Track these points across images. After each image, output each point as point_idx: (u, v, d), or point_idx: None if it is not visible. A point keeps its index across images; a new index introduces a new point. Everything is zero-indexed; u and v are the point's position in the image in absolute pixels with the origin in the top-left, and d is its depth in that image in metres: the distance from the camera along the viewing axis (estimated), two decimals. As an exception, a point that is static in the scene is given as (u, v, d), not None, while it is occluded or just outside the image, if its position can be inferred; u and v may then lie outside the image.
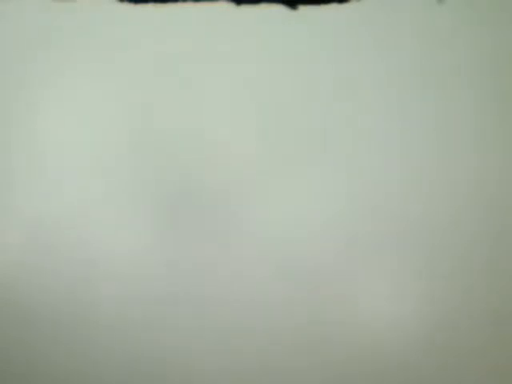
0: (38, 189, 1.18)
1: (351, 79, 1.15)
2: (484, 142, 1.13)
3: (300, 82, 1.16)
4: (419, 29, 1.14)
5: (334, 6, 1.15)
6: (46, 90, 1.18)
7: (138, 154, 1.17)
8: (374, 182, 1.14)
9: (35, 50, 1.18)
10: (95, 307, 1.16)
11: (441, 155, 1.14)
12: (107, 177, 1.17)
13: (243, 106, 1.16)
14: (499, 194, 1.13)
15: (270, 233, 1.15)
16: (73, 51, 1.18)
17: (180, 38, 1.17)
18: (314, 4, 1.15)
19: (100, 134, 1.18)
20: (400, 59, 1.15)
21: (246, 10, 1.16)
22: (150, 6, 1.17)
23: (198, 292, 1.16)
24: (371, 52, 1.15)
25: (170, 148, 1.17)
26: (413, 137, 1.14)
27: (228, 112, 1.16)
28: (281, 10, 1.16)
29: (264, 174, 1.15)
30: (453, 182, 1.13)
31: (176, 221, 1.16)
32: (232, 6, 1.16)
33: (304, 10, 1.15)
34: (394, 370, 1.13)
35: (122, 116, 1.17)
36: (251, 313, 1.15)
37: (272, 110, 1.16)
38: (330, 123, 1.15)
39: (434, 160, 1.14)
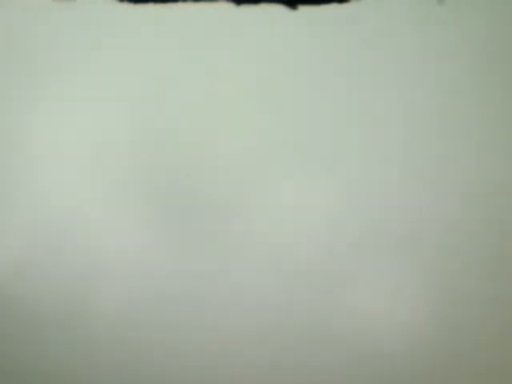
0: (38, 190, 1.18)
1: (351, 79, 1.15)
2: (485, 143, 1.13)
3: (300, 82, 1.16)
4: (419, 29, 1.14)
5: (333, 6, 1.15)
6: (46, 89, 1.18)
7: (139, 154, 1.17)
8: (375, 183, 1.14)
9: (35, 49, 1.18)
10: (95, 308, 1.16)
11: (442, 156, 1.14)
12: (107, 177, 1.17)
13: (243, 106, 1.16)
14: (500, 195, 1.13)
15: (269, 234, 1.15)
16: (73, 51, 1.18)
17: (180, 37, 1.17)
18: (313, 4, 1.15)
19: (100, 134, 1.18)
20: (400, 59, 1.15)
21: (246, 9, 1.16)
22: (150, 6, 1.17)
23: (198, 293, 1.16)
24: (371, 52, 1.15)
25: (170, 149, 1.17)
26: (413, 137, 1.14)
27: (228, 112, 1.16)
28: (281, 9, 1.16)
29: (264, 174, 1.15)
30: (454, 183, 1.13)
31: (176, 221, 1.16)
32: (232, 6, 1.16)
33: (304, 9, 1.15)
34: (394, 371, 1.13)
35: (122, 116, 1.17)
36: (251, 314, 1.15)
37: (272, 111, 1.16)
38: (330, 123, 1.15)
39: (435, 161, 1.14)
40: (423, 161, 1.14)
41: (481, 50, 1.14)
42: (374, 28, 1.15)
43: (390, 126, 1.14)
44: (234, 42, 1.16)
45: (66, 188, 1.17)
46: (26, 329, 1.17)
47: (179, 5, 1.17)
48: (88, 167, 1.17)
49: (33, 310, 1.17)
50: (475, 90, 1.14)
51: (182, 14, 1.17)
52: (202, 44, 1.17)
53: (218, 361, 1.15)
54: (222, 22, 1.16)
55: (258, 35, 1.16)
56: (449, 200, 1.13)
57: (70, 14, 1.18)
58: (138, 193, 1.17)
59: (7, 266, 1.17)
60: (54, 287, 1.17)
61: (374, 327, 1.13)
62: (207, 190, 1.16)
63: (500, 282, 1.13)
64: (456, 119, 1.14)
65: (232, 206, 1.15)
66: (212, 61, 1.16)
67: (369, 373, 1.13)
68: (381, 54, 1.15)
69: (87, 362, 1.16)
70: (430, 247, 1.13)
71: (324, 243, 1.14)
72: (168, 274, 1.16)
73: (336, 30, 1.15)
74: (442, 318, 1.13)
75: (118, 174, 1.17)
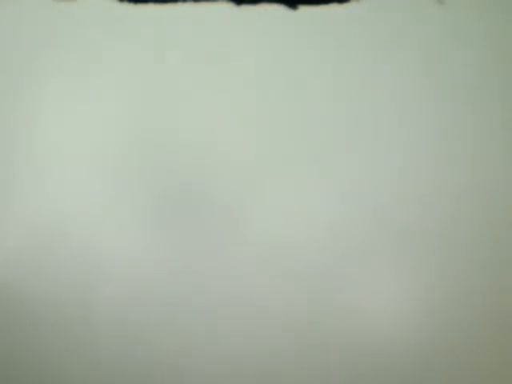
0: (38, 190, 1.18)
1: (351, 79, 1.15)
2: (484, 143, 1.13)
3: (300, 82, 1.16)
4: (419, 29, 1.14)
5: (334, 6, 1.15)
6: (46, 89, 1.18)
7: (138, 154, 1.17)
8: (375, 182, 1.14)
9: (35, 50, 1.18)
10: (94, 308, 1.16)
11: (440, 155, 1.14)
12: (107, 178, 1.17)
13: (243, 106, 1.16)
14: (498, 194, 1.13)
15: (269, 235, 1.15)
16: (73, 51, 1.18)
17: (180, 38, 1.17)
18: (313, 4, 1.15)
19: (100, 135, 1.18)
20: (400, 59, 1.15)
21: (246, 9, 1.16)
22: (150, 6, 1.17)
23: (197, 294, 1.16)
24: (371, 52, 1.15)
25: (170, 149, 1.17)
26: (412, 137, 1.14)
27: (227, 112, 1.16)
28: (281, 9, 1.16)
29: (264, 174, 1.15)
30: (452, 182, 1.13)
31: (176, 222, 1.16)
32: (232, 6, 1.16)
33: (304, 9, 1.15)
34: (395, 370, 1.13)
35: (122, 116, 1.17)
36: (251, 314, 1.15)
37: (272, 110, 1.16)
38: (329, 123, 1.15)
39: (434, 160, 1.14)
40: (422, 160, 1.14)
41: (481, 50, 1.14)
42: (373, 28, 1.15)
43: (389, 125, 1.14)
44: (234, 42, 1.16)
45: (66, 188, 1.17)
46: (26, 328, 1.17)
47: (179, 5, 1.17)
48: (88, 167, 1.17)
49: (32, 310, 1.17)
50: (475, 88, 1.14)
51: (182, 14, 1.17)
52: (201, 44, 1.17)
53: (218, 363, 1.15)
54: (222, 22, 1.16)
55: (258, 35, 1.16)
56: (448, 199, 1.13)
57: (70, 14, 1.18)
58: (137, 193, 1.17)
59: (7, 267, 1.17)
60: (53, 288, 1.17)
61: (374, 327, 1.13)
62: (207, 190, 1.16)
63: (500, 280, 1.13)
64: (455, 118, 1.14)
65: (232, 206, 1.15)
66: (212, 61, 1.16)
67: (371, 373, 1.13)
68: (380, 54, 1.15)
69: (87, 361, 1.16)
70: (430, 247, 1.13)
71: (324, 243, 1.14)
72: (168, 273, 1.16)
73: (336, 30, 1.15)
74: (441, 318, 1.13)
75: (118, 174, 1.17)
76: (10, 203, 1.18)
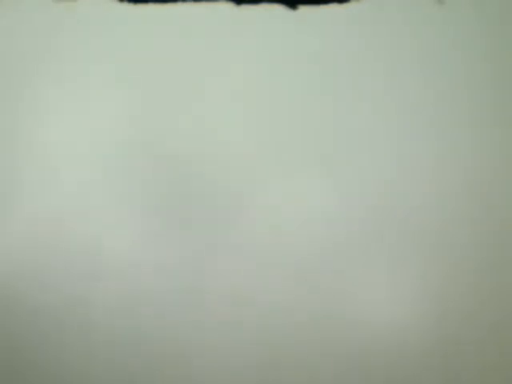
0: (39, 190, 1.18)
1: (351, 79, 1.15)
2: (482, 142, 1.14)
3: (300, 82, 1.16)
4: (419, 29, 1.14)
5: (334, 6, 1.15)
6: (46, 89, 1.18)
7: (138, 155, 1.17)
8: (373, 181, 1.14)
9: (35, 50, 1.18)
10: (95, 304, 1.16)
11: (439, 155, 1.14)
12: (107, 176, 1.17)
13: (243, 106, 1.16)
14: (497, 193, 1.13)
15: (269, 231, 1.15)
16: (73, 51, 1.18)
17: (180, 38, 1.17)
18: (313, 4, 1.15)
19: (100, 133, 1.18)
20: (400, 59, 1.15)
21: (246, 10, 1.16)
22: (150, 6, 1.17)
23: (197, 289, 1.16)
24: (371, 52, 1.15)
25: (170, 148, 1.17)
26: (412, 136, 1.14)
27: (228, 112, 1.16)
28: (281, 9, 1.16)
29: (263, 173, 1.15)
30: (451, 182, 1.14)
31: (175, 219, 1.16)
32: (232, 6, 1.16)
33: (304, 9, 1.15)
34: (392, 368, 1.13)
35: (122, 115, 1.17)
36: (251, 311, 1.15)
37: (272, 110, 1.16)
38: (329, 123, 1.15)
39: (433, 160, 1.14)
40: (422, 160, 1.14)
41: (480, 50, 1.14)
42: (373, 28, 1.15)
43: (388, 125, 1.14)
44: (234, 41, 1.16)
45: (65, 187, 1.17)
46: (26, 326, 1.17)
47: (179, 5, 1.17)
48: (88, 167, 1.17)
49: (33, 307, 1.17)
50: (475, 89, 1.14)
51: (182, 14, 1.17)
52: (202, 44, 1.17)
53: (219, 357, 1.15)
54: (222, 21, 1.16)
55: (257, 35, 1.16)
56: (448, 199, 1.13)
57: (70, 14, 1.18)
58: (137, 192, 1.17)
59: (7, 265, 1.17)
60: (53, 285, 1.17)
61: (373, 325, 1.13)
62: (207, 190, 1.16)
63: (499, 280, 1.13)
64: (455, 118, 1.14)
65: (232, 205, 1.15)
66: (212, 61, 1.16)
67: (367, 370, 1.13)
68: (380, 54, 1.15)
69: (87, 358, 1.16)
70: (430, 247, 1.13)
71: (324, 240, 1.14)
72: (168, 272, 1.16)
73: (336, 30, 1.15)
74: (440, 316, 1.13)
75: (119, 173, 1.17)
76: (10, 203, 1.18)
